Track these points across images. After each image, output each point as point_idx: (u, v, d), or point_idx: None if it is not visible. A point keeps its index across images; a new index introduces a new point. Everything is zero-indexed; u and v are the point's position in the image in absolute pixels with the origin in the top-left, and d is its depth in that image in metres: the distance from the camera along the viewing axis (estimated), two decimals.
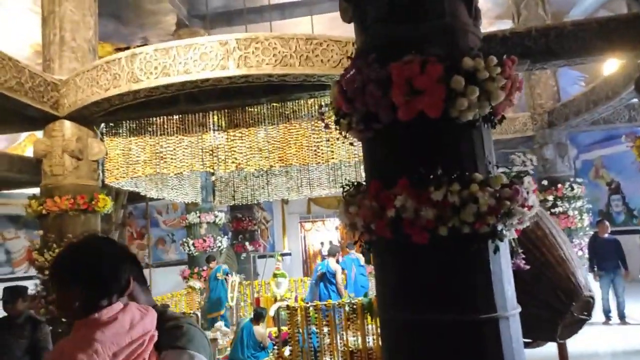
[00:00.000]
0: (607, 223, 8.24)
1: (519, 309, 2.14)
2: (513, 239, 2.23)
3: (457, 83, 1.92)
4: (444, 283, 2.02)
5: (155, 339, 1.22)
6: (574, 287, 2.62)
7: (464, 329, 2.00)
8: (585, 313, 2.71)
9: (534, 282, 2.50)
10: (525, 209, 1.98)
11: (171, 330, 1.26)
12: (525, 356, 2.18)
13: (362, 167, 6.99)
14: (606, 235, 8.05)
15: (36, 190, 6.24)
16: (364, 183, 2.35)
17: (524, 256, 2.35)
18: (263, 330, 7.25)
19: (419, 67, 1.95)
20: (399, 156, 2.11)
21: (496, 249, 2.02)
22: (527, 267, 2.36)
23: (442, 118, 2.00)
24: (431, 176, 1.97)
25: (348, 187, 2.38)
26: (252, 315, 7.66)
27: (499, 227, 1.97)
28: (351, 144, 3.28)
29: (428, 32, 2.13)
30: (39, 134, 6.43)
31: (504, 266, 2.09)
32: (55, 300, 1.31)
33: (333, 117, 2.48)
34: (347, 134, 2.43)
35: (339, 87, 2.21)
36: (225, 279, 9.11)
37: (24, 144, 12.14)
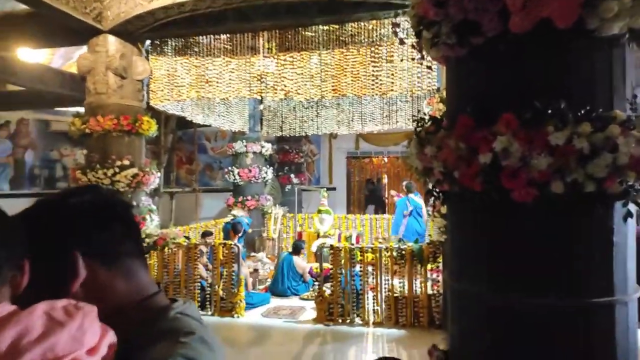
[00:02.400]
0: None
1: None
2: None
3: None
4: (549, 256, 1.53)
5: None
6: None
7: (570, 317, 1.53)
8: None
9: None
10: None
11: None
12: (638, 347, 1.72)
13: (424, 103, 6.36)
14: None
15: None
16: (445, 119, 1.84)
17: None
18: (303, 263, 7.14)
19: None
20: (505, 83, 1.56)
21: (627, 215, 1.50)
22: None
23: (574, 30, 1.42)
24: (550, 111, 1.43)
25: (423, 122, 1.88)
26: (291, 248, 7.59)
27: (637, 187, 1.44)
28: (429, 67, 2.70)
29: None
30: None
31: (630, 238, 1.58)
32: None
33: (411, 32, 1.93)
34: (427, 54, 1.89)
35: None
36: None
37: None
